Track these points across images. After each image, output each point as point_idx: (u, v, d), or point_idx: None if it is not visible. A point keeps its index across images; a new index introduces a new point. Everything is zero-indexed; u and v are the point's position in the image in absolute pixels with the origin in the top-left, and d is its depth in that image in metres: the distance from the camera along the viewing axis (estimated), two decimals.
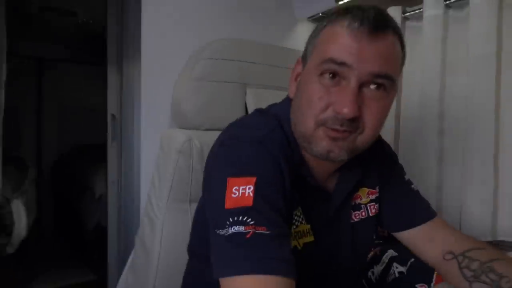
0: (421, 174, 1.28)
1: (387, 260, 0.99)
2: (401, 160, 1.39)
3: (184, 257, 0.92)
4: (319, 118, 0.64)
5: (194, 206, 0.98)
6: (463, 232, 1.19)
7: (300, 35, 1.61)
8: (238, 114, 1.15)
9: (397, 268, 0.96)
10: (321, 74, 0.63)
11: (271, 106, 0.79)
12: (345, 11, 0.64)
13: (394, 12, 1.38)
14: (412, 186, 0.86)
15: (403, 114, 1.35)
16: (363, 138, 0.66)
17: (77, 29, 2.98)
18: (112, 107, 1.61)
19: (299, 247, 0.71)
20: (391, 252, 1.00)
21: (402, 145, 1.36)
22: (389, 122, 1.38)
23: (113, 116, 1.62)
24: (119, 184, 1.58)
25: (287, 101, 0.75)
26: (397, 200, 0.84)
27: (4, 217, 1.91)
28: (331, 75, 0.63)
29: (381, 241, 1.07)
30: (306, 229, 0.73)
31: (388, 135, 1.37)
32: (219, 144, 0.69)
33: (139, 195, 1.32)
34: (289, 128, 0.71)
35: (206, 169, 0.71)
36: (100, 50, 1.96)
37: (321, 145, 0.65)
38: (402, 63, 0.68)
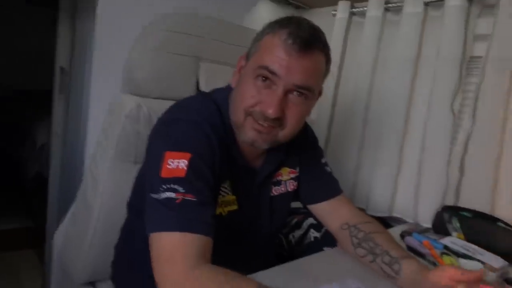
0: (345, 157, 1.49)
1: (306, 227, 1.17)
2: (331, 144, 1.56)
3: (122, 213, 1.00)
4: (248, 110, 0.76)
5: (138, 167, 1.06)
6: (369, 207, 1.45)
7: (259, 15, 1.65)
8: (189, 86, 1.21)
9: (313, 233, 1.13)
10: (256, 76, 0.75)
11: (214, 91, 0.90)
12: (286, 23, 0.75)
13: (343, 6, 1.49)
14: (326, 167, 1.02)
15: (338, 103, 1.52)
16: (283, 134, 0.79)
17: None
18: (61, 60, 1.59)
19: (224, 214, 0.83)
20: (310, 220, 1.17)
21: (333, 131, 1.54)
22: (326, 110, 1.54)
23: (62, 68, 1.61)
24: (63, 136, 1.60)
25: (228, 88, 0.87)
26: (312, 179, 0.99)
27: None
28: (263, 79, 0.75)
29: (305, 211, 1.20)
30: (232, 200, 0.85)
31: (325, 120, 1.54)
32: (162, 122, 0.79)
33: (83, 150, 1.37)
34: (226, 113, 0.82)
35: (148, 143, 0.81)
36: None
37: (248, 135, 0.78)
38: (325, 75, 0.83)
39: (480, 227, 1.13)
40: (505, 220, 1.13)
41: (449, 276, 0.69)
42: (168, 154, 0.71)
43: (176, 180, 0.68)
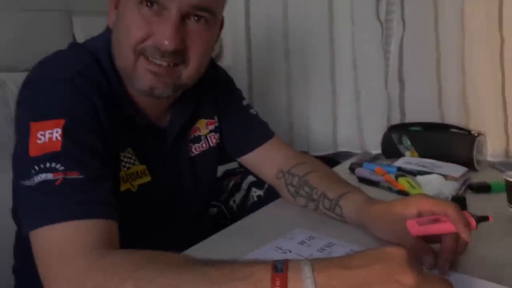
0: (274, 98, 1.45)
1: (246, 187, 1.11)
2: (255, 87, 1.51)
3: (11, 226, 0.88)
4: (138, 48, 0.66)
5: None
6: (311, 147, 1.43)
7: None
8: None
9: (255, 192, 1.09)
10: (140, 2, 0.65)
11: (88, 40, 0.78)
12: None
13: None
14: (251, 110, 0.95)
15: (252, 38, 1.45)
16: (187, 72, 0.69)
17: None
18: None
19: (133, 189, 0.75)
20: (250, 178, 1.12)
21: (254, 72, 1.49)
22: (241, 50, 1.47)
23: None
24: None
25: (105, 33, 0.75)
26: (236, 126, 0.91)
27: None
28: (149, 4, 0.64)
29: (243, 169, 1.17)
30: (141, 170, 0.76)
31: (242, 62, 1.47)
32: (23, 85, 0.67)
33: None
34: (108, 63, 0.72)
35: (15, 116, 0.69)
36: None
37: (144, 81, 0.67)
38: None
39: (432, 139, 1.16)
40: (457, 125, 1.16)
41: (418, 205, 0.63)
42: (35, 125, 0.60)
43: (51, 156, 0.58)
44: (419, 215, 0.62)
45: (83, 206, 0.56)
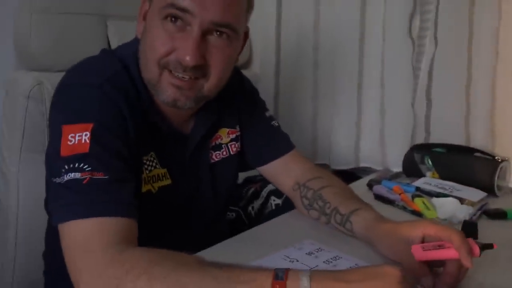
0: (299, 109, 1.48)
1: (265, 195, 1.15)
2: (281, 97, 1.52)
3: (45, 215, 0.94)
4: (162, 62, 0.71)
5: None
6: (333, 161, 1.46)
7: None
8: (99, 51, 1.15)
9: (274, 201, 1.12)
10: (164, 18, 0.69)
11: (119, 47, 0.84)
12: None
13: None
14: (273, 122, 0.99)
15: (282, 48, 1.49)
16: (208, 86, 0.74)
17: None
18: None
19: (154, 191, 0.80)
20: (270, 187, 1.16)
21: (282, 81, 1.52)
22: (270, 58, 1.51)
23: None
24: None
25: (135, 41, 0.80)
26: (257, 136, 0.96)
27: None
28: (173, 20, 0.69)
29: (262, 177, 1.18)
30: (162, 173, 0.82)
31: (270, 71, 1.51)
32: (57, 89, 0.74)
33: None
34: (136, 72, 0.77)
35: (49, 117, 0.76)
36: None
37: (167, 94, 0.72)
38: (249, 11, 0.78)
39: (455, 161, 1.17)
40: (482, 150, 1.17)
41: (423, 229, 0.66)
42: (66, 128, 0.66)
43: (79, 157, 0.64)
44: (424, 238, 0.65)
45: (106, 205, 0.62)
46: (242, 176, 1.30)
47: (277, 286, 0.48)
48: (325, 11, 1.40)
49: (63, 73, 1.04)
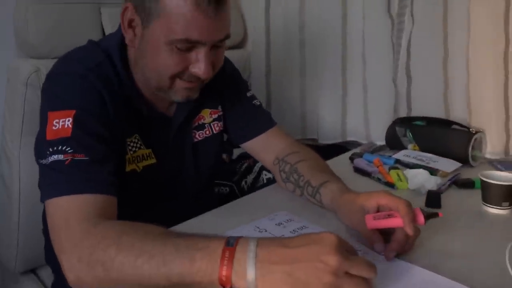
0: (289, 86, 1.49)
1: (257, 169, 1.17)
2: (273, 74, 1.53)
3: None
4: (175, 75, 0.75)
5: None
6: (321, 135, 1.47)
7: None
8: (94, 38, 1.08)
9: (265, 175, 1.14)
10: (176, 47, 0.72)
11: (103, 38, 0.88)
12: None
13: None
14: (254, 101, 1.01)
15: (271, 28, 1.49)
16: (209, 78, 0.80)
17: None
18: None
19: (139, 170, 0.84)
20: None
21: (272, 59, 1.52)
22: (261, 37, 1.51)
23: None
24: None
25: (118, 32, 0.81)
26: (239, 115, 0.98)
27: None
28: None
29: None
30: (147, 153, 0.85)
31: (262, 49, 1.51)
32: (46, 77, 0.78)
33: None
34: (120, 61, 0.80)
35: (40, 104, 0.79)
36: None
37: (181, 95, 0.79)
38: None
39: (433, 134, 1.18)
40: (459, 122, 1.17)
41: (377, 200, 0.69)
42: (51, 114, 0.70)
43: (62, 141, 0.67)
44: (379, 208, 0.69)
45: (86, 183, 0.65)
46: (236, 152, 1.32)
47: (227, 251, 0.51)
48: None
49: None
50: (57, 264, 0.94)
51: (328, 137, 1.45)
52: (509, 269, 0.59)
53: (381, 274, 0.52)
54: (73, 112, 0.69)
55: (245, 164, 1.21)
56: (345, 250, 0.50)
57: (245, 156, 1.26)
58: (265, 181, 1.13)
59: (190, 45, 0.72)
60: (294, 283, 0.48)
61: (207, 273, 0.51)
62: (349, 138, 1.43)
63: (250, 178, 1.18)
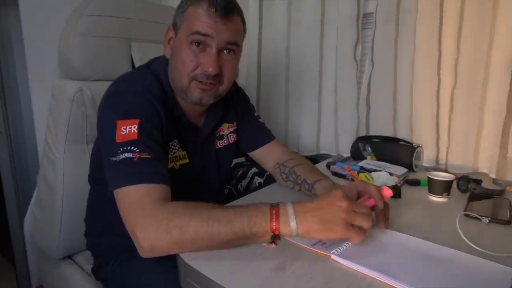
0: (275, 111, 1.59)
1: (250, 175, 1.24)
2: (262, 102, 1.62)
3: (85, 189, 1.04)
4: (191, 75, 0.81)
5: (91, 145, 1.08)
6: (300, 149, 1.57)
7: None
8: (125, 66, 1.22)
9: (257, 180, 1.21)
10: (191, 42, 0.79)
11: (151, 63, 0.92)
12: None
13: None
14: (260, 120, 1.09)
15: (262, 66, 1.59)
16: (222, 87, 0.85)
17: None
18: None
19: (176, 167, 0.89)
20: (254, 170, 1.25)
21: (262, 91, 1.63)
22: (253, 74, 1.60)
23: None
24: (7, 133, 1.54)
25: (164, 58, 0.90)
26: (248, 130, 1.07)
27: None
28: (197, 44, 0.79)
29: (249, 163, 1.32)
30: (182, 155, 0.91)
31: (254, 83, 1.62)
32: (107, 95, 0.82)
33: (35, 140, 1.34)
34: (166, 80, 0.86)
35: (99, 116, 0.82)
36: None
37: (195, 95, 0.82)
38: (244, 33, 0.89)
39: (386, 148, 1.30)
40: (404, 139, 1.31)
41: (356, 186, 0.79)
42: (119, 122, 0.74)
43: (131, 142, 0.72)
44: (359, 193, 0.78)
45: (151, 175, 0.70)
46: (233, 162, 1.41)
47: (273, 210, 0.62)
48: (294, 40, 1.50)
49: (98, 82, 1.14)
50: (99, 250, 1.02)
51: (306, 150, 1.54)
52: (459, 231, 0.73)
53: (375, 238, 0.66)
54: (138, 120, 0.74)
55: (240, 171, 1.28)
56: (349, 198, 0.64)
57: (240, 165, 1.34)
58: (257, 185, 1.20)
59: (202, 38, 0.77)
60: (321, 222, 0.62)
61: (262, 225, 0.62)
62: (322, 151, 1.53)
63: (244, 182, 1.24)
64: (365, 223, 0.64)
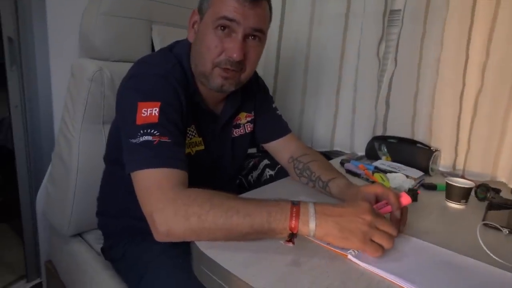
0: (291, 103, 1.57)
1: (262, 167, 1.24)
2: (278, 93, 1.61)
3: (100, 169, 1.04)
4: (215, 61, 0.79)
5: (107, 126, 1.08)
6: (314, 144, 1.56)
7: None
8: (145, 48, 1.21)
9: (268, 172, 1.21)
10: (216, 27, 0.77)
11: (173, 46, 0.90)
12: None
13: None
14: (277, 112, 1.08)
15: (281, 57, 1.57)
16: (244, 75, 0.83)
17: None
18: (8, 29, 1.49)
19: (192, 153, 0.88)
20: (265, 161, 1.25)
21: (279, 81, 1.61)
22: (271, 64, 1.58)
23: (9, 39, 1.52)
24: (22, 107, 1.54)
25: (187, 42, 0.89)
26: (265, 121, 1.05)
27: None
28: (223, 28, 0.77)
29: (260, 154, 1.32)
30: (199, 141, 0.90)
31: (271, 73, 1.60)
32: (129, 77, 0.80)
33: (51, 115, 1.34)
34: (187, 65, 0.85)
35: (119, 97, 0.81)
36: None
37: (217, 82, 0.81)
38: (270, 21, 0.87)
39: (403, 149, 1.28)
40: (422, 142, 1.29)
41: (375, 190, 0.78)
42: (140, 104, 0.73)
43: (151, 125, 0.71)
44: (377, 196, 0.77)
45: (170, 160, 0.69)
46: None
47: (294, 208, 0.61)
48: (316, 31, 1.47)
49: (118, 63, 1.14)
50: (111, 230, 1.03)
51: (319, 146, 1.53)
52: (480, 241, 0.71)
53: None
54: (159, 103, 0.73)
55: (252, 162, 1.27)
56: (375, 213, 0.62)
57: (251, 156, 1.34)
58: (268, 177, 1.20)
59: (228, 23, 0.75)
60: (341, 229, 0.61)
61: (281, 222, 0.61)
62: (336, 148, 1.52)
63: (255, 173, 1.24)
64: (385, 243, 0.63)
